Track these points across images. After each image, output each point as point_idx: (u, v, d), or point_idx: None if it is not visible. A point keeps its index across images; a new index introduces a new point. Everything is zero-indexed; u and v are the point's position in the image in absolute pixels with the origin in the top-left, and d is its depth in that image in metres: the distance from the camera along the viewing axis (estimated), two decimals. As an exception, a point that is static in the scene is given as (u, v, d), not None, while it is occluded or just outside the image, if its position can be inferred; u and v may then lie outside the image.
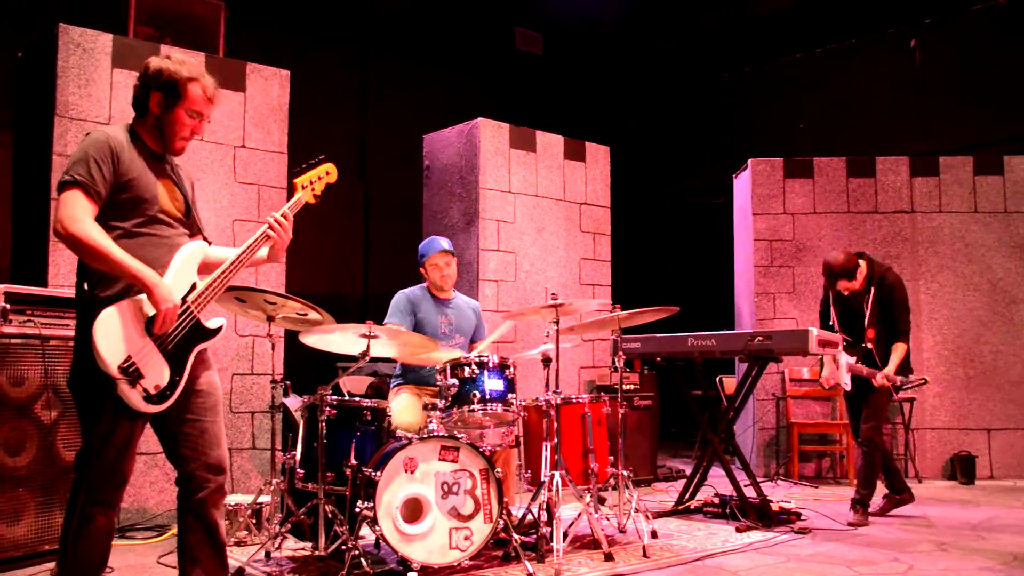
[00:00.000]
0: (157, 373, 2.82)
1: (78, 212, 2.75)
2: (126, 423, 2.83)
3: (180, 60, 3.00)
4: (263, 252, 3.19)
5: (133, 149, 2.93)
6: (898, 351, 5.51)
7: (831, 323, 5.79)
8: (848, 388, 5.56)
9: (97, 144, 2.85)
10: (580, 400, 4.87)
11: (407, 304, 5.07)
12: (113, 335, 2.74)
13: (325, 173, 3.39)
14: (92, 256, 2.75)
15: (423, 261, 5.15)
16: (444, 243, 5.16)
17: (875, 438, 5.48)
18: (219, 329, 3.03)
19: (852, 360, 5.53)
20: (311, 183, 3.34)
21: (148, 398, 2.79)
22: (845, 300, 5.68)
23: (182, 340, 2.90)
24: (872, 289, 5.58)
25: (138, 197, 2.90)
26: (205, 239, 3.11)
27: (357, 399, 4.42)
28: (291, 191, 3.37)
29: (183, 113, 2.98)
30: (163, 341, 2.84)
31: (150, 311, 2.81)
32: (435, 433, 4.11)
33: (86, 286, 2.84)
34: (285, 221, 3.16)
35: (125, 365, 2.74)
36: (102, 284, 2.82)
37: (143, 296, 2.80)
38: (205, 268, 3.06)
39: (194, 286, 2.96)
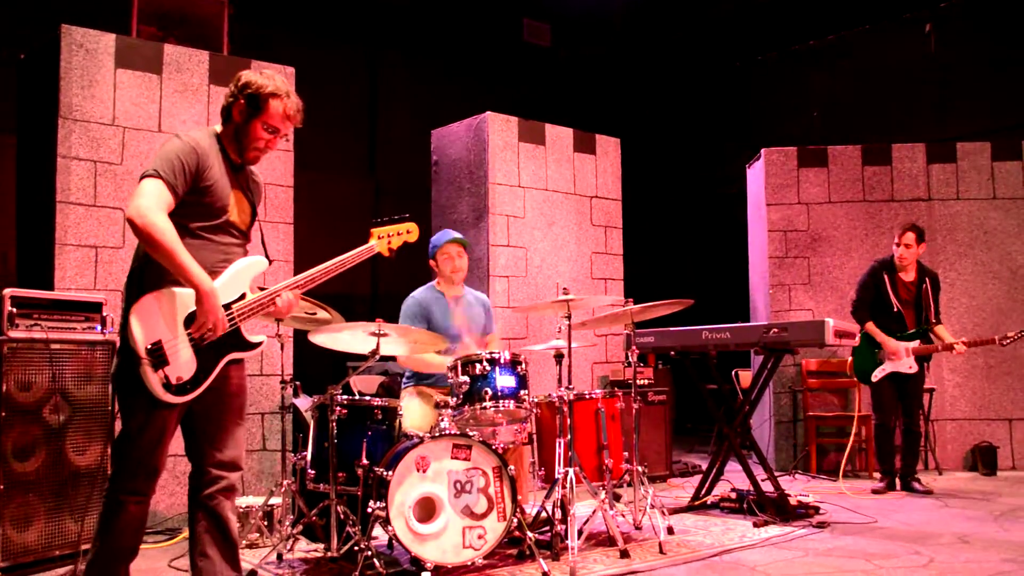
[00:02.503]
0: (183, 366, 2.87)
1: (155, 202, 2.81)
2: (159, 415, 2.90)
3: (270, 76, 3.12)
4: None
5: (217, 156, 3.03)
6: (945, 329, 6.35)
7: (895, 310, 6.28)
8: (914, 371, 6.19)
9: (185, 149, 2.94)
10: (593, 396, 4.82)
11: (418, 308, 5.00)
12: (149, 318, 2.82)
13: (406, 231, 3.44)
14: (157, 250, 2.80)
15: (434, 253, 5.08)
16: (456, 234, 5.10)
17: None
18: (259, 344, 3.08)
19: (915, 344, 6.20)
20: (388, 236, 3.40)
21: (167, 386, 2.84)
22: (899, 290, 6.30)
23: (217, 343, 2.95)
24: (927, 281, 6.33)
25: (212, 203, 3.00)
26: (267, 256, 3.17)
27: (368, 398, 4.37)
28: (367, 237, 3.41)
29: (259, 126, 3.07)
30: (198, 338, 2.90)
31: (192, 306, 2.88)
32: (447, 431, 4.06)
33: (139, 274, 2.91)
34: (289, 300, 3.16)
35: (152, 348, 2.81)
36: (151, 270, 2.87)
37: (191, 291, 2.86)
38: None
39: (243, 296, 3.03)
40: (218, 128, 3.13)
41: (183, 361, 2.87)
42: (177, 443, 4.55)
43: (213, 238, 3.01)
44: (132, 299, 2.84)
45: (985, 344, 6.22)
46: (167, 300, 2.86)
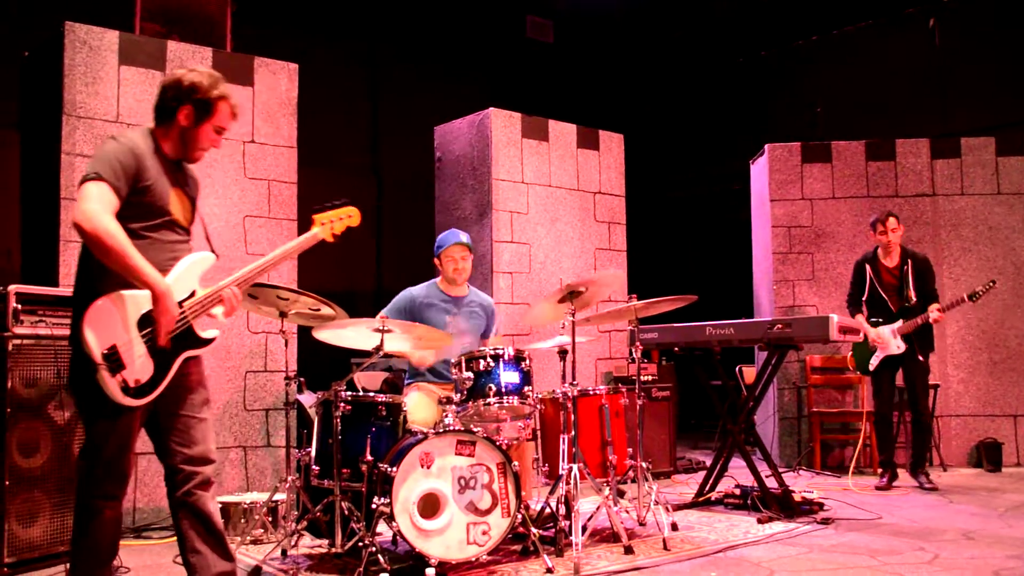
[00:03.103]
0: (140, 368, 2.86)
1: (101, 205, 2.78)
2: (121, 420, 2.89)
3: (211, 76, 3.09)
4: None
5: (153, 156, 3.00)
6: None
7: (879, 296, 6.40)
8: (903, 350, 6.27)
9: (122, 149, 2.91)
10: (597, 392, 4.82)
11: (406, 303, 5.00)
12: (102, 323, 2.79)
13: (347, 215, 3.46)
14: (108, 253, 2.77)
15: (439, 252, 5.08)
16: (463, 237, 5.08)
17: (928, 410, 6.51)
18: (212, 339, 3.08)
19: (899, 324, 6.29)
20: (331, 221, 3.42)
21: (126, 390, 2.82)
22: (882, 277, 6.41)
23: (172, 343, 2.93)
24: (909, 262, 6.37)
25: (152, 203, 2.97)
26: (213, 250, 3.16)
27: (372, 394, 4.38)
28: (309, 224, 3.44)
29: (210, 128, 3.08)
30: (152, 339, 2.88)
31: (144, 307, 2.86)
32: (451, 427, 4.06)
33: (87, 280, 2.89)
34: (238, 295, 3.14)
35: (108, 352, 2.78)
36: (101, 274, 2.84)
37: (141, 292, 2.84)
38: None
39: (193, 293, 3.02)
40: (151, 126, 3.09)
41: (140, 363, 2.85)
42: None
43: (158, 237, 2.98)
44: (83, 305, 2.80)
45: (956, 305, 6.33)
46: (119, 303, 2.83)
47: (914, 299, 6.30)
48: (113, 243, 2.74)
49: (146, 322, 2.86)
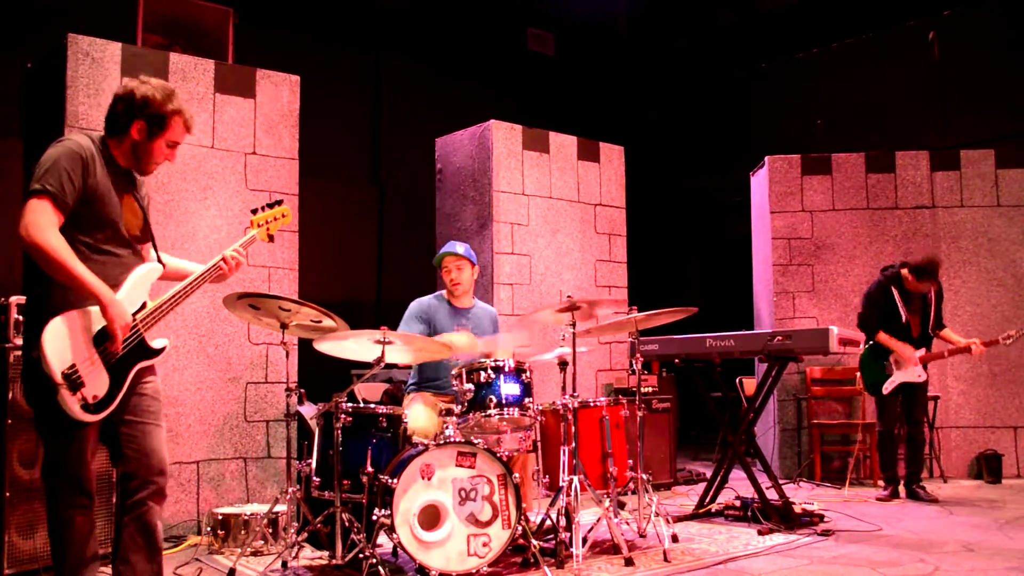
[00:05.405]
0: (97, 384, 2.89)
1: (44, 221, 2.81)
2: (79, 434, 2.92)
3: (164, 89, 3.08)
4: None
5: (102, 163, 3.00)
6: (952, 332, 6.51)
7: (904, 320, 6.28)
8: (923, 378, 6.26)
9: (69, 154, 2.92)
10: (598, 403, 4.82)
11: (419, 311, 5.02)
12: (61, 342, 2.81)
13: (281, 215, 3.60)
14: (53, 267, 2.81)
15: (438, 266, 5.12)
16: (457, 247, 5.10)
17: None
18: (162, 349, 3.13)
19: (922, 351, 6.26)
20: (267, 222, 3.54)
21: (86, 407, 2.85)
22: (909, 300, 6.29)
23: (126, 356, 2.97)
24: (932, 289, 6.31)
25: (101, 213, 2.98)
26: (159, 259, 3.21)
27: (372, 406, 4.38)
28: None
29: (163, 143, 3.10)
30: (107, 354, 2.91)
31: (98, 324, 2.89)
32: (452, 439, 4.07)
33: (42, 298, 2.91)
34: (240, 258, 3.34)
35: (69, 372, 2.81)
36: (56, 293, 2.88)
37: (94, 308, 2.87)
38: (171, 276, 3.23)
39: (144, 305, 3.05)
40: (101, 134, 3.09)
41: (98, 379, 2.88)
42: (178, 450, 4.56)
43: (110, 250, 3.00)
44: (40, 324, 2.81)
45: (992, 344, 6.24)
46: (75, 321, 2.85)
47: (937, 330, 6.32)
48: (56, 254, 2.78)
49: (102, 337, 2.89)
